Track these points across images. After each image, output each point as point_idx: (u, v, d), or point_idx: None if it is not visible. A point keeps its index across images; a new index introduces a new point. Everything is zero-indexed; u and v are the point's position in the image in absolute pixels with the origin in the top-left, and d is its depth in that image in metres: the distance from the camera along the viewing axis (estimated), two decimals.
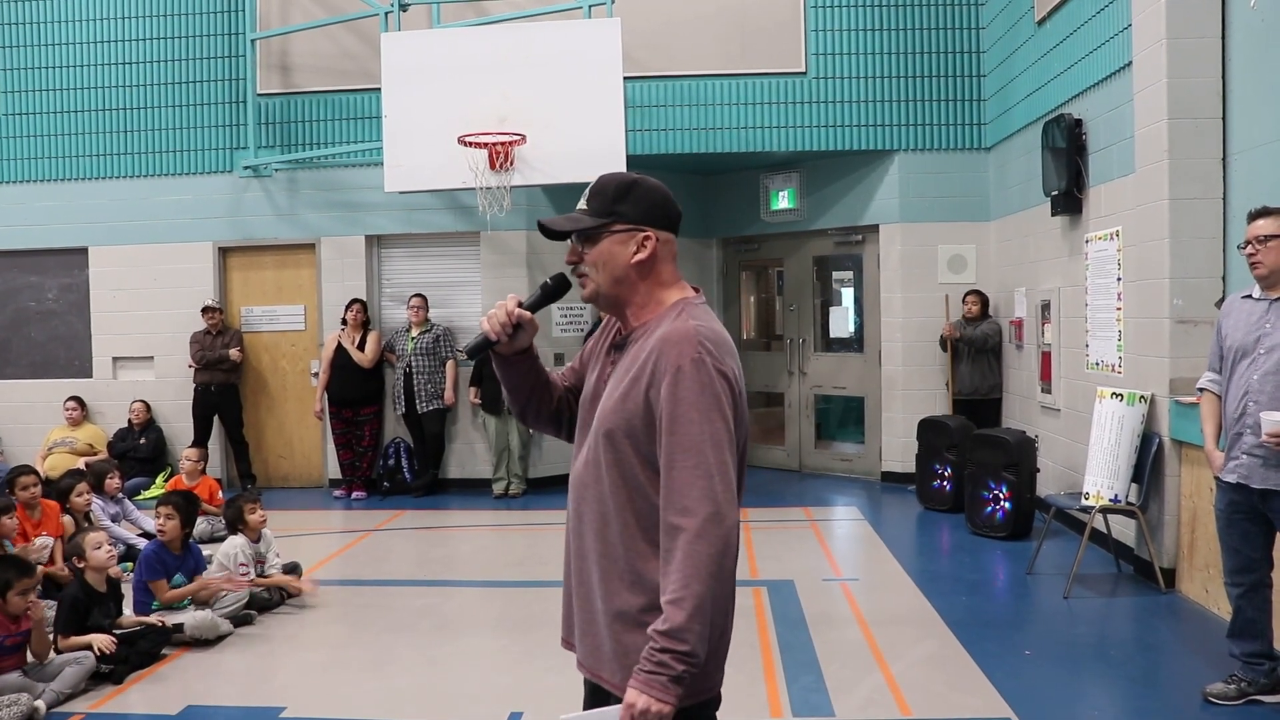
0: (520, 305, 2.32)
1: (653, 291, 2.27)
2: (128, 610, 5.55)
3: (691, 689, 2.09)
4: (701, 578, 2.01)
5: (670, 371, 2.08)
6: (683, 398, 2.07)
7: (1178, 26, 5.99)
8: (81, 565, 5.23)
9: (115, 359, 10.62)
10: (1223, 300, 5.14)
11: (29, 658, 4.80)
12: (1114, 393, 6.44)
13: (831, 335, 10.92)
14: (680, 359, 2.08)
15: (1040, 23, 8.17)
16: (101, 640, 4.97)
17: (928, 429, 9.05)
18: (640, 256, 2.24)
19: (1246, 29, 5.77)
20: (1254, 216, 4.30)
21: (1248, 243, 4.26)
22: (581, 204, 2.28)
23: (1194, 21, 5.99)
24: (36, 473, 6.81)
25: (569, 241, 2.32)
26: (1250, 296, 4.37)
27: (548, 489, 10.08)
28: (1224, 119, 6.00)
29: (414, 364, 9.80)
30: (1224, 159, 6.00)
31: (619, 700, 2.10)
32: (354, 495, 9.90)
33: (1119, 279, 6.91)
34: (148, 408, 10.33)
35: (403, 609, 6.25)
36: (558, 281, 2.36)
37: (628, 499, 2.16)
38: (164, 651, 5.35)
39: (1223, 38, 5.97)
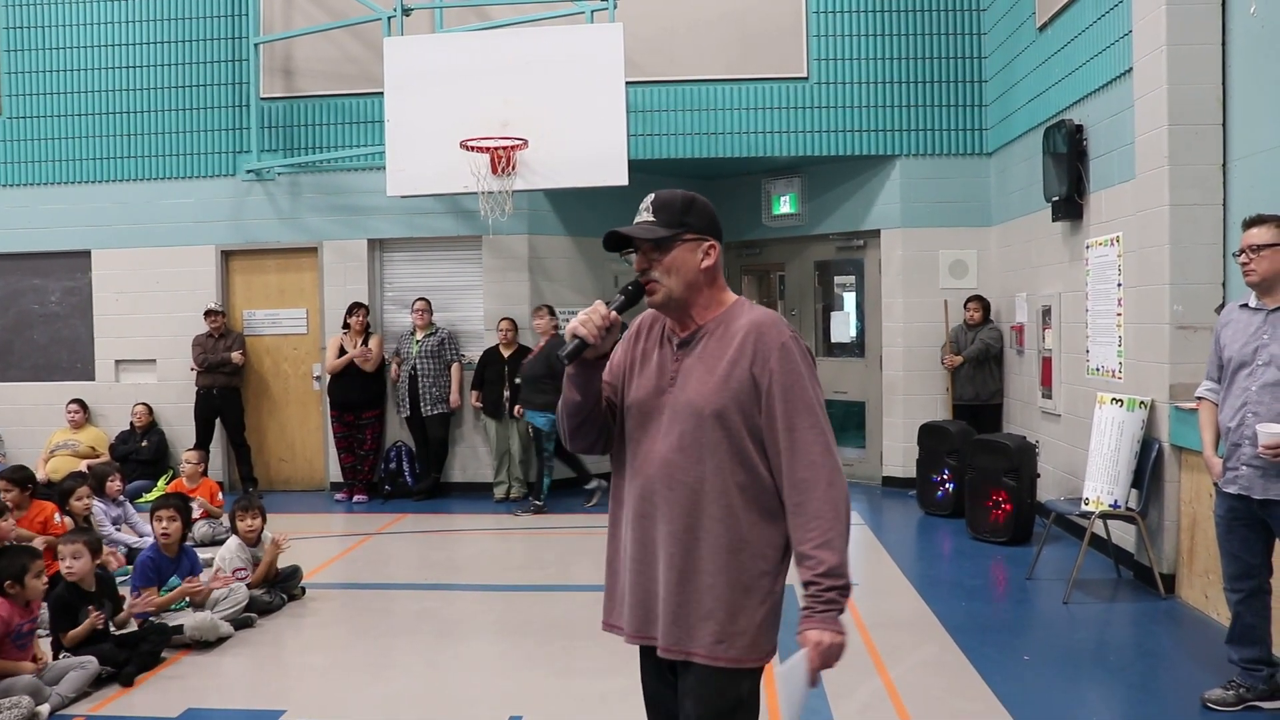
0: (610, 308, 2.48)
1: (714, 294, 2.54)
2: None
3: (755, 649, 2.44)
4: (842, 518, 2.36)
5: (776, 348, 2.40)
6: (792, 369, 2.40)
7: (1178, 33, 5.99)
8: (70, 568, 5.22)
9: (118, 362, 10.65)
10: (1222, 306, 5.14)
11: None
12: (1114, 398, 6.44)
13: (833, 340, 10.92)
14: (781, 337, 2.42)
15: (1042, 29, 8.19)
16: (94, 618, 5.02)
17: (928, 434, 9.05)
18: (708, 263, 2.50)
19: (1247, 35, 5.79)
20: (1249, 224, 4.30)
21: (1242, 250, 4.27)
22: (647, 216, 2.49)
23: (1194, 28, 5.99)
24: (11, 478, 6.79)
25: (620, 254, 2.58)
26: (1248, 306, 4.36)
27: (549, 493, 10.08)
28: (1224, 125, 6.00)
29: (419, 367, 9.81)
30: (1224, 165, 6.01)
31: (708, 673, 2.42)
32: (355, 499, 9.91)
33: (1119, 284, 6.92)
34: (150, 410, 10.36)
35: (403, 612, 6.26)
36: (637, 287, 2.52)
37: (734, 472, 2.42)
38: (164, 654, 5.35)
39: (1223, 44, 5.98)
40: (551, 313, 9.51)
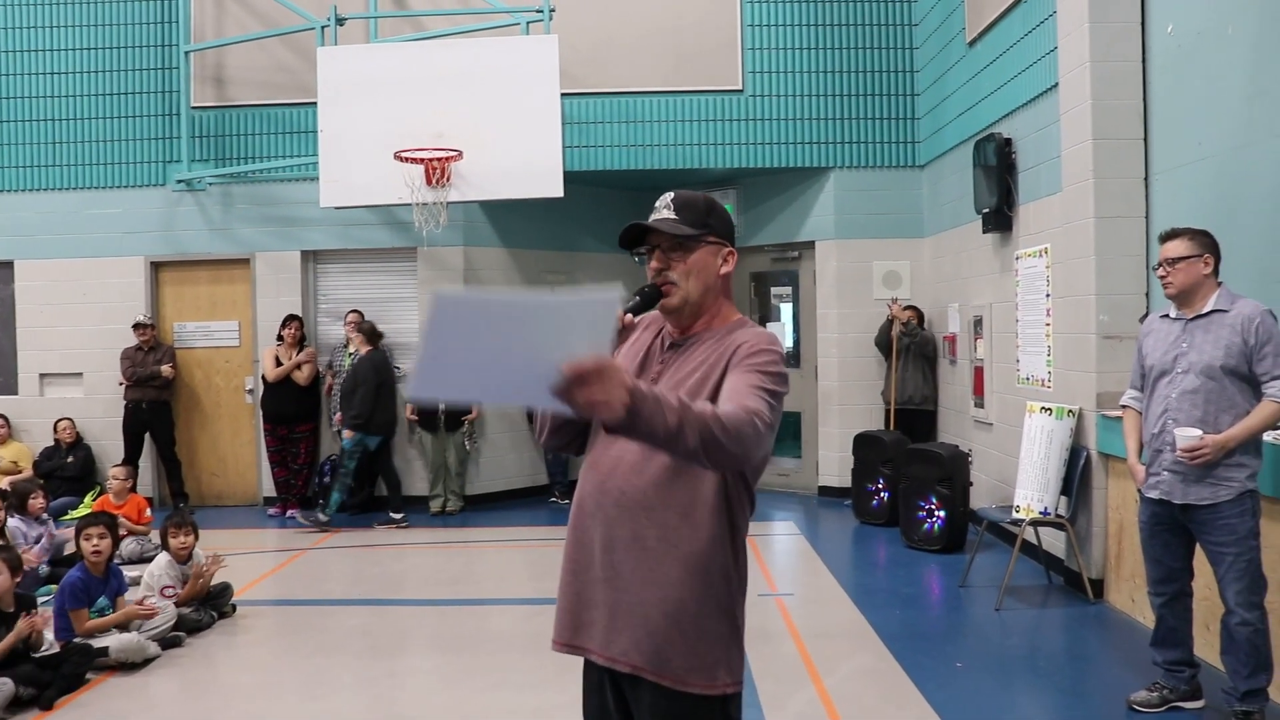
0: (626, 312, 2.35)
1: (723, 303, 2.43)
2: (48, 635, 5.39)
3: (734, 676, 2.26)
4: (746, 431, 2.06)
5: (750, 351, 2.24)
6: (763, 366, 2.22)
7: (1100, 50, 6.14)
8: None
9: (42, 375, 10.39)
10: (1146, 316, 5.26)
11: None
12: (1043, 407, 6.56)
13: None
14: (761, 345, 2.26)
15: (971, 44, 8.33)
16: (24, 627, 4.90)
17: (863, 444, 9.14)
18: (726, 269, 2.41)
19: (1165, 53, 5.94)
20: (1165, 238, 4.40)
21: (1160, 264, 4.37)
22: (668, 214, 2.35)
23: (1116, 46, 6.14)
24: None
25: (632, 252, 2.44)
26: (1168, 316, 4.47)
27: (485, 506, 10.04)
28: (1146, 140, 6.15)
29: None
30: (1146, 179, 6.16)
31: (663, 690, 2.23)
32: (288, 513, 9.77)
33: (1048, 295, 7.05)
34: (75, 425, 10.11)
35: (336, 629, 6.18)
36: (654, 290, 2.39)
37: (680, 487, 2.24)
38: (89, 676, 5.22)
39: (1143, 62, 6.14)
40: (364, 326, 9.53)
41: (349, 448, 9.07)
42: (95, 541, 5.70)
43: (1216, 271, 4.32)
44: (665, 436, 1.95)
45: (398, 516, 9.25)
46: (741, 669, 2.30)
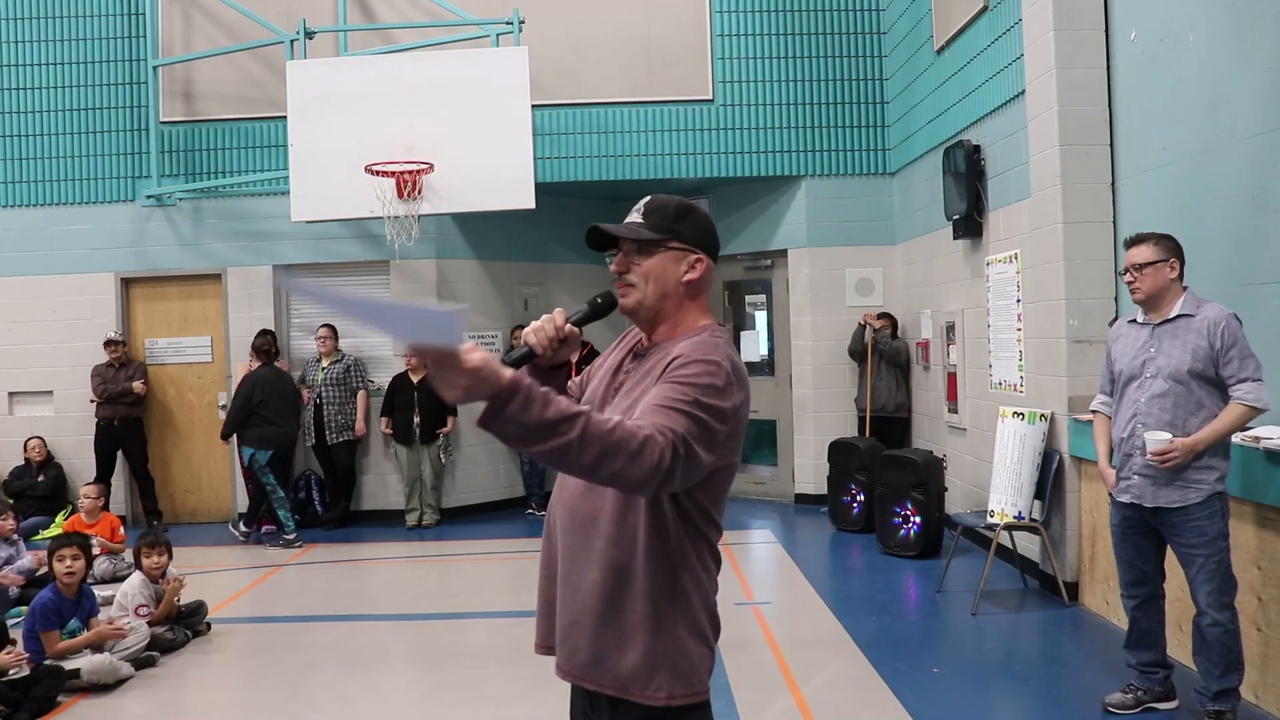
0: (567, 320, 2.34)
1: (689, 312, 2.36)
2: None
3: (684, 688, 2.22)
4: (628, 448, 1.95)
5: (682, 363, 2.16)
6: (690, 378, 2.12)
7: (1066, 57, 6.20)
8: None
9: (11, 394, 10.29)
10: (1115, 321, 5.30)
11: None
12: (1015, 412, 6.60)
13: (743, 359, 10.97)
14: (695, 356, 2.17)
15: (939, 51, 8.39)
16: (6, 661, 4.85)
17: (838, 451, 9.16)
18: (691, 277, 2.34)
19: (1129, 60, 6.00)
20: (1130, 243, 4.44)
21: (1126, 270, 4.41)
22: (636, 218, 2.35)
23: (1081, 53, 6.20)
24: None
25: (606, 254, 2.43)
26: (1135, 321, 4.51)
27: (461, 519, 10.01)
28: (1111, 146, 6.21)
29: (324, 395, 9.66)
30: (1113, 184, 6.22)
31: (610, 700, 2.25)
32: (264, 529, 9.70)
33: (1018, 300, 7.09)
34: (45, 444, 10.01)
35: (312, 645, 6.13)
36: (606, 299, 2.39)
37: (628, 501, 2.20)
38: (60, 699, 5.16)
39: (1108, 68, 6.20)
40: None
41: (263, 461, 9.04)
42: (69, 563, 5.63)
43: (1182, 276, 4.36)
44: (535, 437, 1.90)
45: (290, 536, 9.11)
46: (698, 681, 2.25)
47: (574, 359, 2.46)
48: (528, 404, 1.87)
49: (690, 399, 2.10)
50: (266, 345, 9.37)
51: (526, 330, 2.32)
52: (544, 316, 2.33)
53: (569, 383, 2.58)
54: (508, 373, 1.87)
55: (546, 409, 1.89)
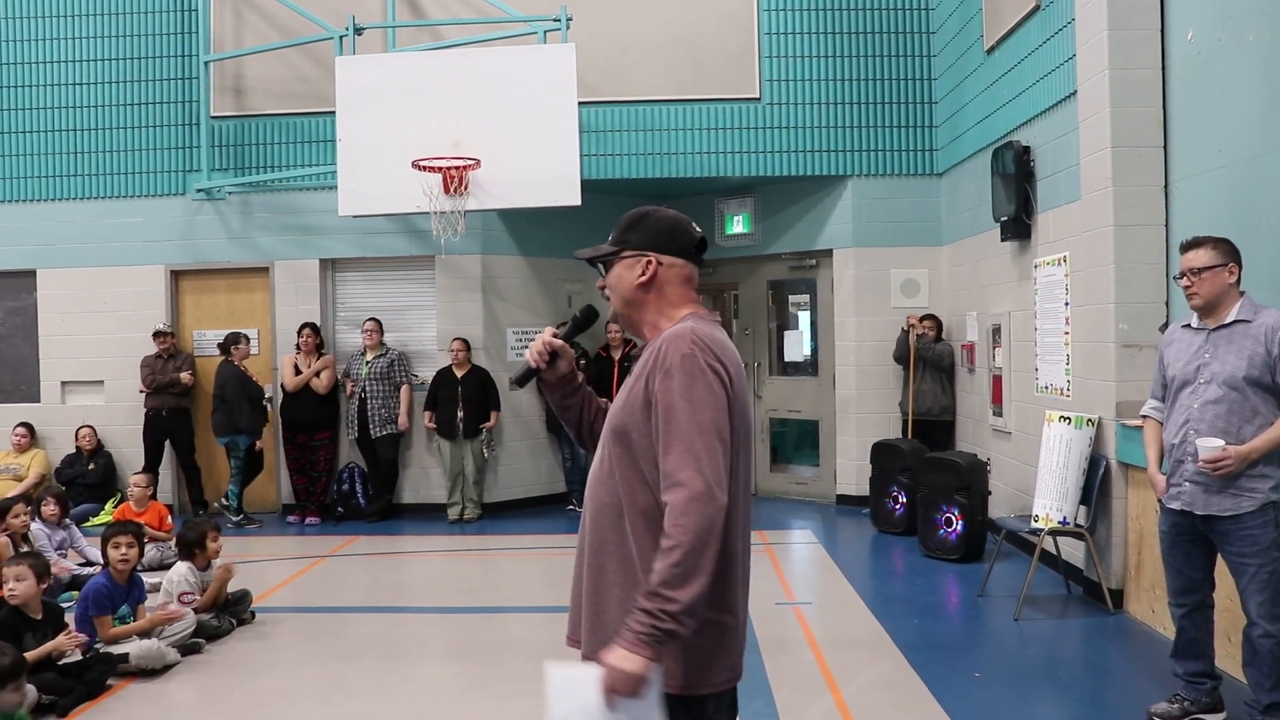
0: (555, 335, 2.58)
1: (662, 310, 2.48)
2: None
3: (685, 677, 2.28)
4: (687, 543, 2.14)
5: (664, 366, 2.27)
6: (673, 389, 2.25)
7: (1119, 58, 6.11)
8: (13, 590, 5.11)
9: (64, 383, 10.47)
10: (1166, 325, 5.23)
11: None
12: (1062, 416, 6.52)
13: (786, 359, 10.97)
14: (674, 354, 2.27)
15: (989, 51, 8.31)
16: (64, 643, 4.96)
17: (881, 452, 9.11)
18: (643, 279, 2.46)
19: (1184, 61, 5.91)
20: (1186, 248, 4.36)
21: (1183, 274, 4.33)
22: (610, 237, 2.55)
23: (1135, 53, 6.11)
24: None
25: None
26: (1190, 326, 4.44)
27: (502, 514, 10.06)
28: (1165, 148, 6.12)
29: (368, 389, 9.74)
30: (1166, 187, 6.12)
31: None
32: (308, 521, 9.81)
33: (1067, 304, 7.01)
34: (95, 433, 10.18)
35: (354, 636, 6.19)
36: (585, 312, 2.66)
37: (635, 493, 2.31)
38: (109, 682, 5.25)
39: (1163, 69, 6.11)
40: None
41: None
42: (124, 550, 5.74)
43: (1239, 280, 4.29)
44: (677, 631, 2.15)
45: (236, 518, 9.65)
46: (708, 674, 2.31)
47: (581, 364, 2.62)
48: (653, 632, 2.13)
49: (687, 423, 2.23)
50: (224, 341, 9.79)
51: (527, 350, 2.55)
52: (538, 335, 2.57)
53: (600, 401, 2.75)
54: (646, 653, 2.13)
55: (655, 621, 2.12)
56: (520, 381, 2.58)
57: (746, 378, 2.55)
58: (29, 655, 4.86)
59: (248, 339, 9.93)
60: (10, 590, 5.07)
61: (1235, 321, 4.24)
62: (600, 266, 2.55)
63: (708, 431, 2.22)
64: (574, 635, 2.46)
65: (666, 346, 2.30)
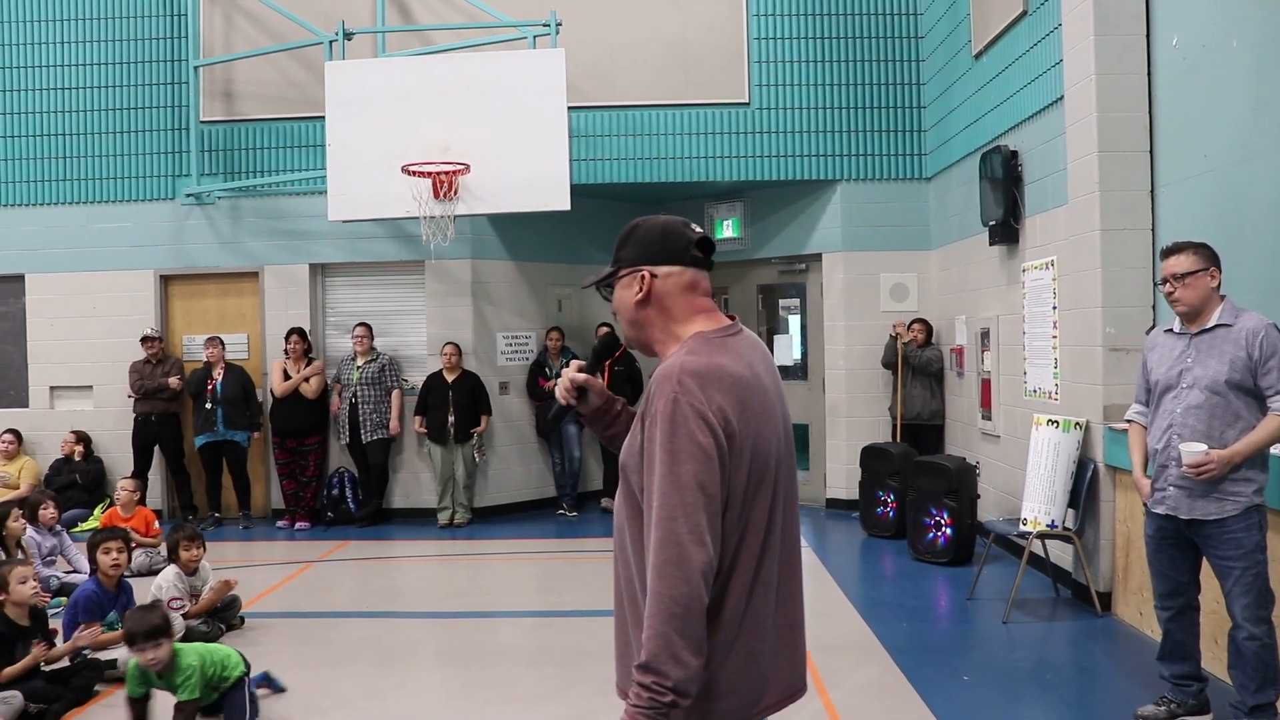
0: (581, 370, 2.42)
1: (668, 327, 2.28)
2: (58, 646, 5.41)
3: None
4: (661, 616, 1.98)
5: (651, 412, 2.09)
6: (656, 438, 2.06)
7: (1106, 63, 6.15)
8: (2, 598, 5.09)
9: (53, 389, 10.45)
10: (1152, 329, 5.25)
11: None
12: (1050, 419, 6.55)
13: (776, 363, 10.96)
14: (660, 399, 2.07)
15: (977, 56, 8.34)
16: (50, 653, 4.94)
17: (871, 456, 9.13)
18: (640, 296, 2.27)
19: (1170, 66, 5.95)
20: (1167, 253, 4.37)
21: (1165, 280, 4.34)
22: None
23: (1121, 59, 6.15)
24: None
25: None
26: (1172, 331, 4.45)
27: (493, 518, 10.06)
28: (1151, 152, 6.16)
29: (359, 393, 9.73)
30: (1152, 191, 6.16)
31: None
32: (298, 526, 9.80)
33: (1054, 307, 7.04)
34: (81, 438, 10.14)
35: (343, 641, 6.19)
36: (605, 341, 2.62)
37: (640, 531, 2.14)
38: (97, 689, 5.23)
39: (1149, 74, 6.14)
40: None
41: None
42: (114, 555, 5.74)
43: (1219, 285, 4.31)
44: (678, 702, 2.00)
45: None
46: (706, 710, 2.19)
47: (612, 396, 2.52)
48: (658, 663, 1.98)
49: (666, 481, 2.04)
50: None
51: (557, 389, 2.43)
52: (564, 372, 2.43)
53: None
54: None
55: (652, 695, 1.98)
56: (554, 421, 2.46)
57: (777, 378, 2.34)
58: (23, 662, 4.87)
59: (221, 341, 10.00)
60: (19, 594, 5.06)
61: (1217, 326, 4.25)
62: (604, 292, 2.38)
63: (686, 486, 2.01)
64: (621, 685, 2.30)
65: (656, 388, 2.10)
